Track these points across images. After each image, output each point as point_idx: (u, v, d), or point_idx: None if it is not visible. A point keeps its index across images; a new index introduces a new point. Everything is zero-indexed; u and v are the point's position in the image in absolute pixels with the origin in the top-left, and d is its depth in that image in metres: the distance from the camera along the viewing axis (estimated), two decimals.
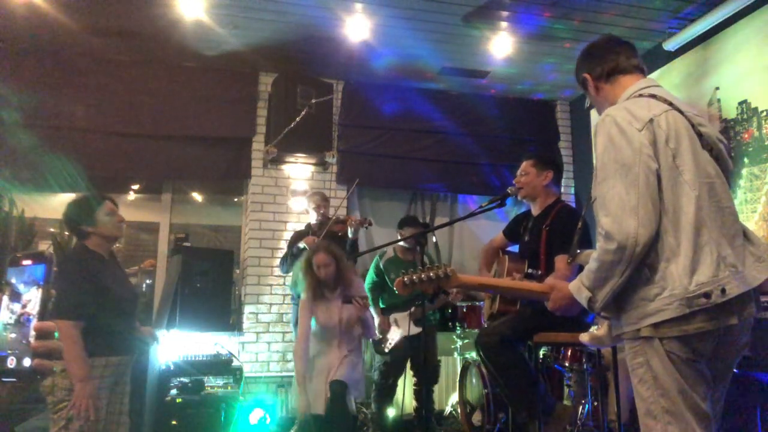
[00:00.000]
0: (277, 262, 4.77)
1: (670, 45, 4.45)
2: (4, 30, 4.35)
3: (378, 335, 4.31)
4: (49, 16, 4.13)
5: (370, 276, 4.58)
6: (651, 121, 1.62)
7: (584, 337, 1.96)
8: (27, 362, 0.86)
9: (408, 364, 4.33)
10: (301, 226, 4.67)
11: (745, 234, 1.67)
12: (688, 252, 1.53)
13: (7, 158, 4.41)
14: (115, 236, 2.75)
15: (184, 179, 5.28)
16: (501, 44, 4.66)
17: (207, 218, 5.64)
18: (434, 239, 5.41)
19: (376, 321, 4.40)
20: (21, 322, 0.87)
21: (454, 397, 4.70)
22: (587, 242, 2.71)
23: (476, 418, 3.95)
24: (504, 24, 4.42)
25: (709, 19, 4.07)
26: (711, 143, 1.69)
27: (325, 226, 4.26)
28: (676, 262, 1.54)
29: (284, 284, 4.97)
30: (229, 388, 4.11)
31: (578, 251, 1.92)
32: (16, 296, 0.87)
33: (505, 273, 3.26)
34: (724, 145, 1.73)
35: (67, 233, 4.05)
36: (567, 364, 3.19)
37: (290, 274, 4.47)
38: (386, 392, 4.31)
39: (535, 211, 3.23)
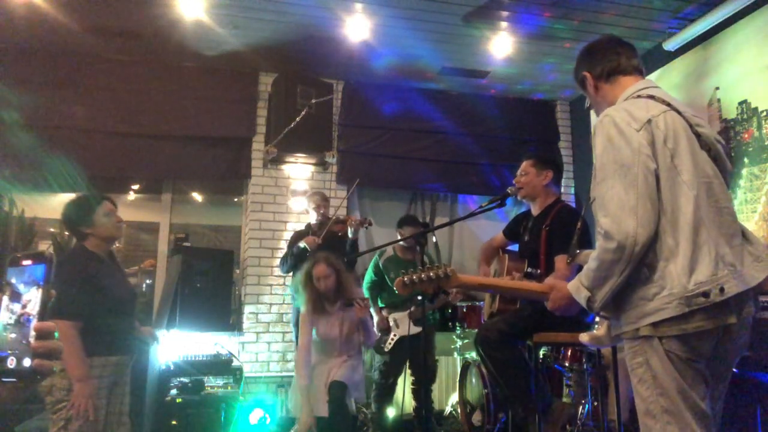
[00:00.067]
0: (277, 262, 4.77)
1: (670, 45, 4.45)
2: (4, 30, 4.34)
3: (378, 333, 4.32)
4: (49, 16, 4.13)
5: (369, 275, 4.58)
6: (649, 121, 1.62)
7: (584, 337, 1.96)
8: (27, 362, 0.86)
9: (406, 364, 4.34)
10: (301, 226, 4.66)
11: (744, 234, 1.67)
12: (687, 251, 1.54)
13: (7, 158, 4.41)
14: (112, 237, 2.74)
15: (184, 179, 5.28)
16: (501, 44, 4.66)
17: (207, 218, 5.64)
18: (434, 239, 5.41)
19: (375, 320, 4.41)
20: (21, 322, 0.87)
21: (454, 397, 4.70)
22: (587, 242, 2.71)
23: (476, 418, 3.95)
24: (504, 24, 4.42)
25: (709, 19, 4.07)
26: (709, 144, 1.70)
27: (325, 226, 4.26)
28: (675, 262, 1.54)
29: (284, 284, 4.97)
30: (229, 388, 4.11)
31: (577, 251, 1.92)
32: (16, 296, 0.87)
33: (505, 272, 3.26)
34: (722, 146, 1.74)
35: (66, 233, 4.05)
36: (567, 364, 3.19)
37: (290, 274, 4.47)
38: (386, 392, 4.32)
39: (535, 211, 3.23)
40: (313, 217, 4.47)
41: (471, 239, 5.70)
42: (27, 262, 0.90)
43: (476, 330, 4.40)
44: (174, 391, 3.88)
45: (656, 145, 1.61)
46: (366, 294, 4.55)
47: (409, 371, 4.37)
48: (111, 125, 4.78)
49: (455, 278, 1.87)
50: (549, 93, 5.81)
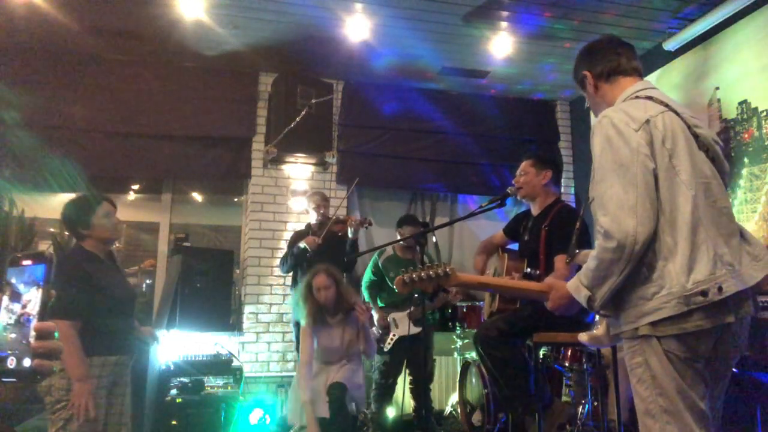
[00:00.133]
0: (277, 262, 4.77)
1: (670, 45, 4.44)
2: (4, 30, 4.34)
3: (378, 331, 4.32)
4: (49, 16, 4.13)
5: (368, 275, 4.58)
6: (647, 121, 1.63)
7: (583, 337, 1.96)
8: (27, 362, 0.86)
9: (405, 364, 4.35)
10: (301, 226, 4.66)
11: (742, 234, 1.68)
12: (686, 251, 1.55)
13: (7, 158, 4.41)
14: (110, 239, 2.74)
15: (184, 179, 5.28)
16: (501, 44, 4.66)
17: (207, 218, 5.64)
18: (434, 239, 5.41)
19: (375, 317, 4.41)
20: (21, 322, 0.87)
21: (454, 397, 4.70)
22: (586, 242, 2.72)
23: (476, 418, 3.95)
24: (504, 24, 4.42)
25: (709, 19, 4.07)
26: (707, 144, 1.70)
27: (325, 226, 4.26)
28: (674, 261, 1.55)
29: (284, 284, 4.97)
30: (229, 388, 4.11)
31: (576, 251, 1.92)
32: (16, 296, 0.87)
33: (505, 272, 3.26)
34: (720, 147, 1.75)
35: (66, 233, 4.05)
36: (567, 364, 3.19)
37: (290, 274, 4.48)
38: (386, 392, 4.32)
39: (535, 210, 3.23)
40: (313, 217, 4.47)
41: (471, 239, 5.70)
42: (27, 262, 0.90)
43: (476, 330, 4.43)
44: (174, 391, 3.88)
45: (654, 145, 1.62)
46: (365, 293, 4.56)
47: (407, 371, 4.38)
48: (111, 125, 4.78)
49: (455, 277, 1.87)
50: (549, 93, 5.81)
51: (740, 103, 3.92)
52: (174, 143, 4.94)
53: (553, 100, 5.96)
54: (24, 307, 0.88)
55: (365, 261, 4.94)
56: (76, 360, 2.42)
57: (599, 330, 1.90)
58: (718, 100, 4.10)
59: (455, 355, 4.78)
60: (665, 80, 4.60)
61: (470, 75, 5.29)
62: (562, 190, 5.28)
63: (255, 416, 4.10)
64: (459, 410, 4.30)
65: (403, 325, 4.29)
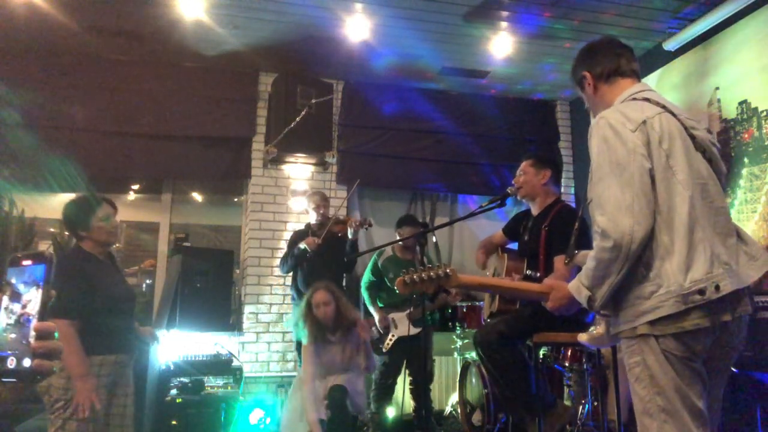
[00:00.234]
0: (277, 262, 4.77)
1: (670, 45, 4.44)
2: (4, 30, 4.34)
3: (379, 332, 4.32)
4: (49, 16, 4.13)
5: (368, 275, 4.58)
6: (644, 122, 1.65)
7: (582, 337, 1.97)
8: (27, 362, 0.86)
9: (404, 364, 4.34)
10: (301, 226, 4.66)
11: (739, 234, 1.70)
12: (683, 250, 1.56)
13: (7, 158, 4.41)
14: (108, 242, 2.75)
15: (184, 179, 5.28)
16: (501, 44, 4.66)
17: (207, 218, 5.64)
18: (434, 239, 5.41)
19: (376, 318, 4.41)
20: (21, 322, 0.87)
21: (454, 397, 4.70)
22: (587, 243, 2.72)
23: (476, 418, 3.95)
24: (504, 24, 4.42)
25: (709, 19, 4.07)
26: (704, 146, 1.72)
27: (325, 227, 4.26)
28: (671, 260, 1.56)
29: (284, 284, 4.97)
30: (229, 388, 4.12)
31: (576, 252, 1.93)
32: (16, 296, 0.87)
33: (505, 272, 3.26)
34: (717, 149, 1.77)
35: (66, 233, 4.06)
36: (567, 364, 3.19)
37: (290, 274, 4.48)
38: (385, 392, 4.32)
39: (535, 210, 3.23)
40: (312, 217, 4.47)
41: (471, 239, 5.70)
42: (27, 262, 0.90)
43: (476, 330, 4.43)
44: (174, 391, 3.88)
45: (651, 145, 1.63)
46: (365, 294, 4.56)
47: (407, 371, 4.38)
48: (111, 125, 4.78)
49: (455, 278, 1.88)
50: (549, 93, 5.81)
51: (740, 103, 3.92)
52: (174, 143, 4.94)
53: (553, 100, 5.96)
54: (24, 307, 0.88)
55: (365, 261, 4.94)
56: (77, 358, 2.43)
57: (599, 330, 1.90)
58: (718, 100, 4.10)
59: (455, 355, 4.78)
60: (665, 80, 4.60)
61: (470, 75, 5.29)
62: (562, 190, 5.28)
63: (255, 416, 4.10)
64: (459, 410, 4.30)
65: (402, 326, 4.29)
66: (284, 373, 4.88)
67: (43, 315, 0.87)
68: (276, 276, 4.99)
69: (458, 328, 4.63)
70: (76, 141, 4.66)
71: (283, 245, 4.86)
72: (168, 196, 5.25)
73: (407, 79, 5.40)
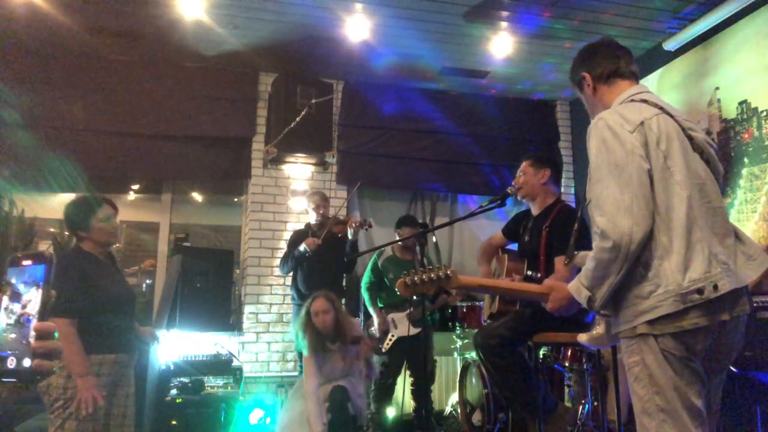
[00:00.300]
0: (277, 262, 4.77)
1: (670, 45, 4.45)
2: (4, 30, 4.34)
3: (379, 335, 4.31)
4: (49, 16, 4.13)
5: (367, 275, 4.58)
6: (642, 123, 1.67)
7: (582, 338, 1.97)
8: (27, 362, 0.86)
9: (405, 364, 4.34)
10: (301, 226, 4.67)
11: (736, 234, 1.71)
12: (681, 249, 1.57)
13: (7, 158, 4.41)
14: (108, 243, 2.76)
15: (184, 179, 5.28)
16: (501, 44, 4.66)
17: (207, 218, 5.64)
18: (434, 239, 5.41)
19: (376, 321, 4.41)
20: (21, 322, 0.87)
21: (454, 397, 4.70)
22: (587, 244, 2.72)
23: (476, 418, 3.95)
24: (504, 24, 4.42)
25: (709, 19, 4.07)
26: (702, 147, 1.73)
27: (325, 227, 4.26)
28: (670, 260, 1.57)
29: (284, 284, 4.97)
30: (229, 388, 4.12)
31: (575, 252, 1.94)
32: (16, 296, 0.87)
33: (505, 273, 3.26)
34: (714, 150, 1.78)
35: (66, 233, 4.06)
36: (567, 364, 3.19)
37: (290, 274, 4.48)
38: (385, 392, 4.32)
39: (535, 211, 3.22)
40: (312, 217, 4.48)
41: (471, 239, 5.70)
42: (27, 262, 0.90)
43: (476, 330, 4.43)
44: (174, 391, 3.88)
45: (649, 146, 1.64)
46: (365, 295, 4.56)
47: (408, 372, 4.37)
48: (111, 125, 4.78)
49: (455, 279, 1.88)
50: (549, 93, 5.81)
51: (740, 103, 3.93)
52: (174, 143, 4.94)
53: (553, 100, 5.96)
54: (24, 307, 0.88)
55: (365, 261, 4.94)
56: (78, 357, 2.43)
57: (599, 330, 1.90)
58: (718, 100, 4.11)
59: (455, 355, 4.77)
60: (665, 80, 4.60)
61: (470, 75, 5.29)
62: (562, 190, 5.28)
63: (255, 416, 4.10)
64: (459, 410, 4.30)
65: (402, 326, 4.29)
66: (284, 373, 4.88)
67: (43, 315, 0.87)
68: (276, 276, 4.99)
69: (458, 328, 4.62)
70: (76, 141, 4.66)
71: (283, 245, 4.86)
72: (168, 196, 5.25)
73: (407, 79, 5.40)
